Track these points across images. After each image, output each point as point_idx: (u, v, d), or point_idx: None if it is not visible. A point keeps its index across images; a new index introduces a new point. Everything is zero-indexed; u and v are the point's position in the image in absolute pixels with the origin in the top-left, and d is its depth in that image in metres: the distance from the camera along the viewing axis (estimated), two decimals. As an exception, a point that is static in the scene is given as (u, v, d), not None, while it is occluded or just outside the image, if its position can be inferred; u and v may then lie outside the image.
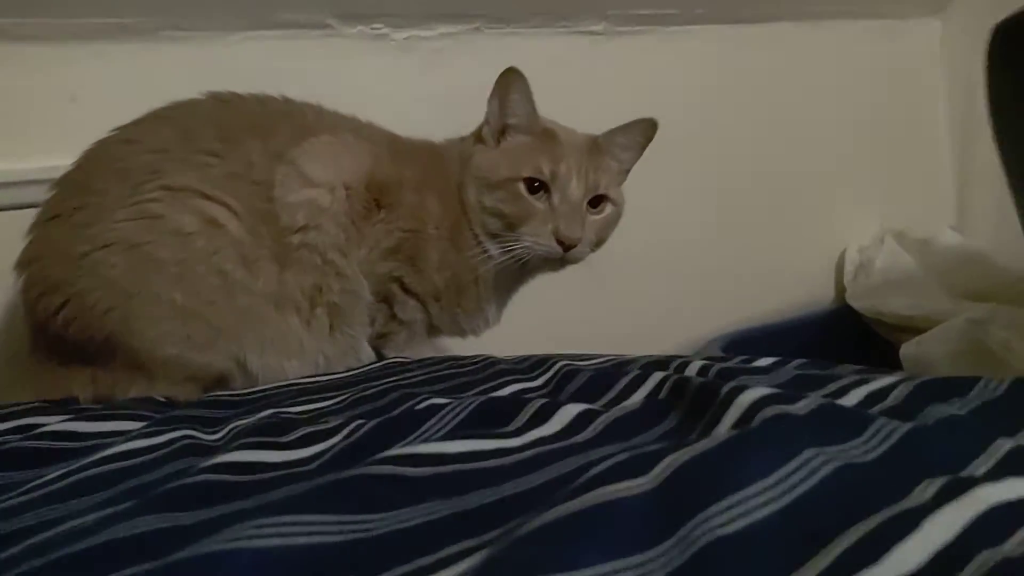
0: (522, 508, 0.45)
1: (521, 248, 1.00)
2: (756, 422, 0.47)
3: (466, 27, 1.47)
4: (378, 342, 1.07)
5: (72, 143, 0.96)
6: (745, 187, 1.87)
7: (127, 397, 0.91)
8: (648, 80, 1.62)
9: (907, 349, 1.69)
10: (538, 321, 1.32)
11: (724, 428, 0.50)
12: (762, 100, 1.88)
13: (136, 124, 0.97)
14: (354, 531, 0.43)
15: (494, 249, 1.03)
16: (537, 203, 1.01)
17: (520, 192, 1.01)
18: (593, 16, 1.61)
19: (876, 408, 0.56)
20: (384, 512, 0.44)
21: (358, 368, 0.96)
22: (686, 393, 0.59)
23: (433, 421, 0.62)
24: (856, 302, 1.98)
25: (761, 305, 1.92)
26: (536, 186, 1.01)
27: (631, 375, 0.69)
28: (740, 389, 0.52)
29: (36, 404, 0.86)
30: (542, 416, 0.60)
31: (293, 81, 1.07)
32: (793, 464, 0.42)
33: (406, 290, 1.03)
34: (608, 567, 0.36)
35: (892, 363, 1.68)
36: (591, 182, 1.03)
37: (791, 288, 2.00)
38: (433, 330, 1.10)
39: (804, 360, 0.74)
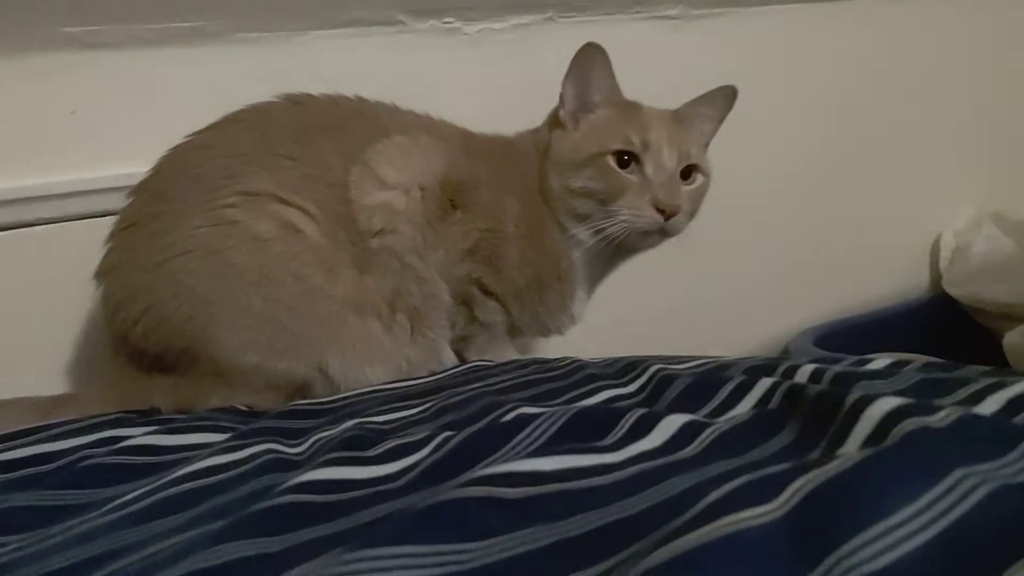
0: (632, 534, 0.41)
1: (618, 225, 0.95)
2: (893, 438, 0.42)
3: (539, 17, 1.43)
4: (459, 345, 1.03)
5: (150, 149, 0.95)
6: (833, 172, 1.80)
7: (208, 406, 0.90)
8: (729, 63, 1.54)
9: (1011, 339, 1.59)
10: (618, 314, 1.28)
11: (855, 445, 0.45)
12: (848, 81, 1.80)
13: (211, 129, 0.95)
14: (451, 562, 0.39)
15: (583, 234, 0.99)
16: (630, 176, 0.96)
17: (610, 166, 0.96)
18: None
19: (1021, 416, 0.50)
20: (482, 540, 0.41)
21: (441, 373, 0.94)
22: (802, 402, 0.54)
23: (524, 433, 0.58)
24: (954, 290, 1.89)
25: (853, 294, 1.84)
26: (626, 159, 0.97)
27: (736, 381, 0.64)
28: (868, 400, 0.47)
29: (118, 415, 0.86)
30: (642, 428, 0.56)
31: (366, 79, 1.05)
32: (942, 486, 0.37)
33: (486, 291, 1.00)
34: (739, 612, 0.32)
35: (994, 353, 1.59)
36: (683, 150, 0.99)
37: (884, 276, 1.91)
38: (515, 331, 1.06)
39: (925, 360, 0.68)
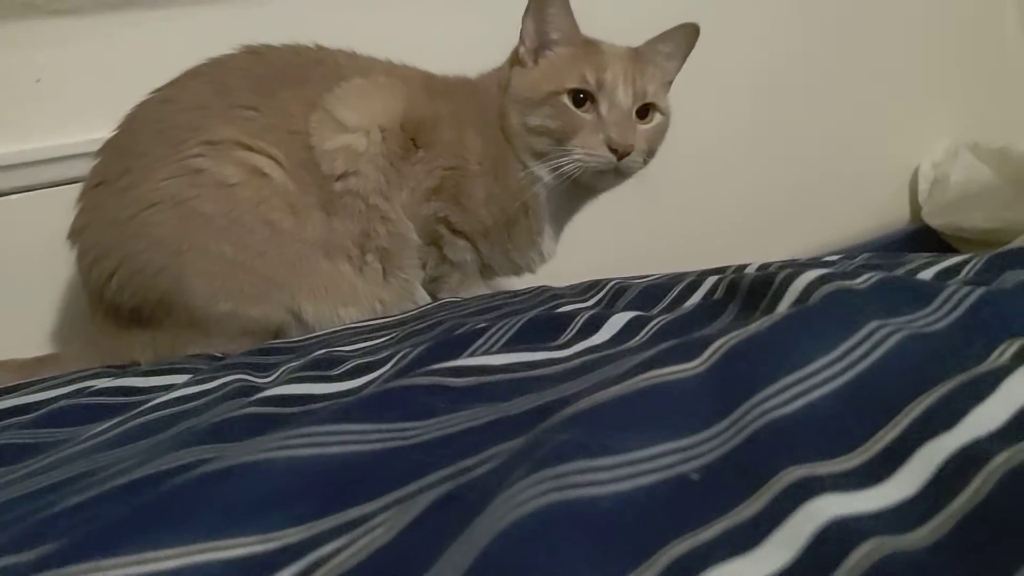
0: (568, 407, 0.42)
1: (572, 163, 0.96)
2: (814, 299, 0.44)
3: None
4: (432, 286, 1.05)
5: (116, 114, 0.96)
6: (810, 107, 1.80)
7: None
8: None
9: (990, 262, 1.61)
10: (594, 254, 1.29)
11: (780, 310, 0.47)
12: (823, 14, 1.80)
13: (172, 84, 0.96)
14: (393, 439, 0.41)
15: (542, 171, 0.99)
16: (585, 115, 0.97)
17: (566, 105, 0.97)
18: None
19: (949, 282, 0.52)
20: (425, 420, 0.43)
21: (412, 310, 0.95)
22: (741, 287, 0.56)
23: (482, 340, 0.60)
24: (934, 220, 1.91)
25: (835, 229, 1.85)
26: (582, 97, 0.97)
27: (685, 282, 0.65)
28: (796, 274, 0.49)
29: (97, 370, 0.87)
30: (592, 327, 0.57)
31: (331, 35, 1.05)
32: (855, 338, 0.39)
33: (453, 230, 1.01)
34: (652, 451, 0.34)
35: (975, 278, 1.60)
36: (639, 89, 0.98)
37: (865, 209, 1.93)
38: (487, 270, 1.08)
39: (873, 253, 0.69)
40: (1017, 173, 1.87)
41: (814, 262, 0.68)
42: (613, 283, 0.75)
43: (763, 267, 0.66)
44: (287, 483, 0.36)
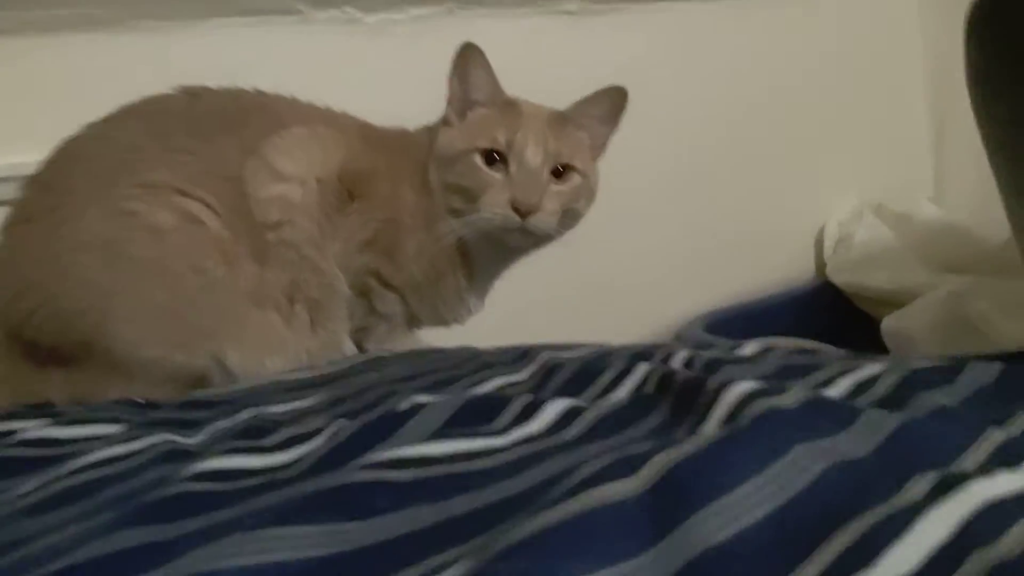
0: (509, 513, 0.44)
1: (480, 221, 0.98)
2: (744, 419, 0.47)
3: (438, 9, 1.45)
4: (358, 335, 1.05)
5: (41, 138, 0.94)
6: (723, 165, 1.87)
7: (105, 399, 0.89)
8: (623, 59, 1.60)
9: (888, 323, 1.70)
10: (514, 306, 1.31)
11: (712, 424, 0.50)
12: (737, 76, 1.87)
13: (107, 121, 0.95)
14: (335, 542, 0.42)
15: (456, 226, 1.01)
16: (494, 174, 0.99)
17: (476, 164, 0.99)
18: (567, -5, 1.59)
19: (865, 396, 0.55)
20: (367, 520, 0.44)
21: (340, 364, 0.95)
22: (672, 387, 0.58)
23: (416, 420, 0.61)
24: (837, 277, 1.99)
25: (741, 283, 1.92)
26: (495, 157, 0.99)
27: (616, 368, 0.68)
28: (726, 384, 0.52)
29: (11, 410, 0.85)
30: (527, 413, 0.59)
31: (264, 69, 1.05)
32: (783, 462, 0.42)
33: (384, 283, 1.02)
34: (596, 576, 0.36)
35: (874, 337, 1.69)
36: (551, 150, 1.00)
37: (772, 264, 2.01)
38: (414, 321, 1.09)
39: (796, 345, 0.73)
40: (916, 238, 1.98)
41: (735, 356, 0.72)
42: (543, 356, 0.77)
43: (689, 361, 0.69)
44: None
